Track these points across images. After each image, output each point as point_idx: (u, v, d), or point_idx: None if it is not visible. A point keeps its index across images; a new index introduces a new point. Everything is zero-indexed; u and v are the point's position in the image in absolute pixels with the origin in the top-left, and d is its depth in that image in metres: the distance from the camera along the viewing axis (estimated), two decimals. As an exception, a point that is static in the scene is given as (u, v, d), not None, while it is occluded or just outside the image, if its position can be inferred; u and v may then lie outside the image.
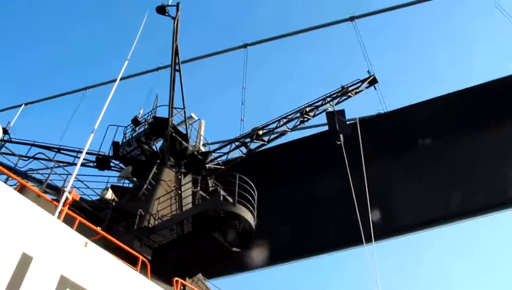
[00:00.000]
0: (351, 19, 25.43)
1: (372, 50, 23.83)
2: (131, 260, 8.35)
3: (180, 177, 15.67)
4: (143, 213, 12.71)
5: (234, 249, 12.66)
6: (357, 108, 20.69)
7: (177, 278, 9.30)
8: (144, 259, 8.71)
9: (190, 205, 14.53)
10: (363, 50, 22.50)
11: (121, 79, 10.95)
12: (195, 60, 28.66)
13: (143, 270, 8.33)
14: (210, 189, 15.87)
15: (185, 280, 11.80)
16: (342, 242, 21.01)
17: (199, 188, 14.16)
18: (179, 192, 14.63)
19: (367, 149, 16.01)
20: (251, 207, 12.47)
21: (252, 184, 12.91)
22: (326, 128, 19.46)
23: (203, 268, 13.18)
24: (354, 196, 14.04)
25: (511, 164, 19.20)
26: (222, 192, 12.93)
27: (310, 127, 20.85)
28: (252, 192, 12.72)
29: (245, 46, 27.40)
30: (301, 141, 21.57)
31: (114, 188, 14.65)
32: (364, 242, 13.16)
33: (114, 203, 13.42)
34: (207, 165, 16.86)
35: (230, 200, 12.35)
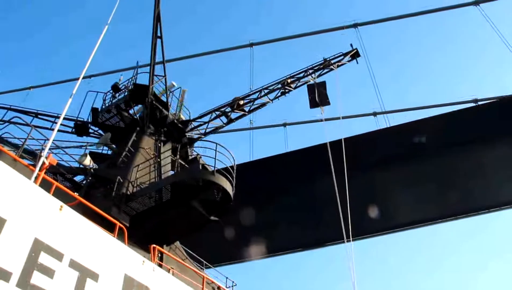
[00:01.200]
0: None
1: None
2: (108, 227, 8.38)
3: (159, 145, 15.63)
4: (121, 180, 12.67)
5: (212, 217, 12.81)
6: (338, 81, 20.82)
7: (154, 245, 9.37)
8: (121, 225, 8.74)
9: (169, 174, 14.56)
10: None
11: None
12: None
13: (121, 237, 8.35)
14: (190, 157, 15.90)
15: (162, 247, 11.93)
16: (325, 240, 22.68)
17: (178, 156, 14.14)
18: (158, 160, 14.61)
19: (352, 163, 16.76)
20: (229, 177, 12.58)
21: (232, 154, 12.98)
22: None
23: (181, 236, 13.33)
24: (338, 201, 14.53)
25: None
26: (201, 161, 12.99)
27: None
28: (232, 162, 12.82)
29: (250, 45, 28.31)
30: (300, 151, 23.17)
31: (93, 155, 14.56)
32: (345, 241, 13.72)
33: (92, 170, 13.37)
34: (187, 134, 16.84)
35: (209, 169, 12.42)
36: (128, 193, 12.33)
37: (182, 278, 7.50)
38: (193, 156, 15.94)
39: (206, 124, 17.40)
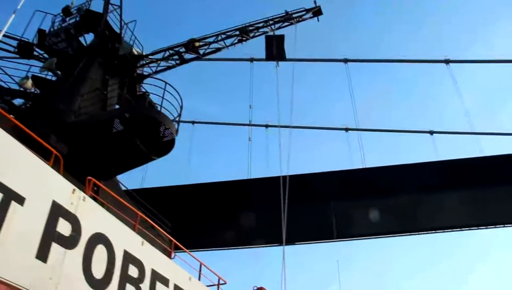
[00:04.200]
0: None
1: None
2: (45, 155, 8.17)
3: (107, 77, 15.12)
4: (63, 108, 12.29)
5: (153, 157, 12.76)
6: (297, 37, 20.81)
7: (90, 177, 9.22)
8: (58, 153, 8.54)
9: (114, 107, 14.23)
10: None
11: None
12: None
13: (56, 166, 8.19)
14: (138, 94, 15.57)
15: (100, 181, 11.81)
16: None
17: (125, 91, 13.83)
18: (105, 92, 14.20)
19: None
20: (175, 118, 12.51)
21: (180, 95, 12.85)
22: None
23: (119, 171, 13.22)
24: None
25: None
26: (148, 99, 12.80)
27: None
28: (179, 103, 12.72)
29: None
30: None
31: (35, 79, 13.95)
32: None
33: (33, 94, 12.87)
34: (137, 70, 16.40)
35: (156, 107, 12.29)
36: (69, 122, 12.00)
37: (115, 213, 7.52)
38: (141, 93, 15.61)
39: (158, 62, 17.00)
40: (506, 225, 27.93)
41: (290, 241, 25.79)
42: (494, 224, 28.20)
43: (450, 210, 28.06)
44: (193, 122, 36.54)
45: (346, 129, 32.77)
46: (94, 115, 12.40)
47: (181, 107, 12.98)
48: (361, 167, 28.79)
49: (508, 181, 27.29)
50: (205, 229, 27.10)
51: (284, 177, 17.00)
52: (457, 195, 28.31)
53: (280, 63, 21.00)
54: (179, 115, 12.77)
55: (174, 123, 12.60)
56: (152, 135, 12.33)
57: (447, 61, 30.63)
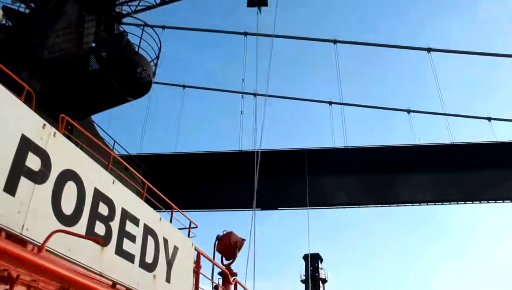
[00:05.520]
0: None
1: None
2: (16, 91, 7.93)
3: (84, 13, 14.57)
4: (37, 44, 11.88)
5: (129, 98, 12.57)
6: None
7: (63, 115, 9.05)
8: (30, 89, 8.32)
9: (90, 45, 13.82)
10: None
11: None
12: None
13: (29, 103, 7.99)
14: (115, 33, 15.11)
15: (74, 121, 11.62)
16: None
17: (102, 29, 13.39)
18: (81, 29, 13.73)
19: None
20: (153, 59, 12.26)
21: (160, 38, 12.53)
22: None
23: (94, 111, 13.02)
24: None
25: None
26: (126, 39, 12.45)
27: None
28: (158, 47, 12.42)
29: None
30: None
31: (7, 10, 13.35)
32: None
33: (5, 27, 12.37)
34: (116, 7, 15.83)
35: (133, 47, 11.99)
36: (43, 58, 11.64)
37: (87, 151, 7.44)
38: (118, 32, 15.15)
39: (138, 1, 16.43)
40: (459, 202, 33.57)
41: (265, 207, 32.58)
42: (449, 201, 33.59)
43: (414, 188, 33.15)
44: (184, 86, 37.61)
45: (330, 103, 35.90)
46: (69, 52, 12.03)
47: (159, 49, 12.68)
48: (342, 140, 33.29)
49: (469, 168, 32.09)
50: (192, 193, 30.08)
51: (258, 151, 18.15)
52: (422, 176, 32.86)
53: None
54: (157, 57, 12.51)
55: (152, 65, 12.35)
56: (129, 76, 12.09)
57: (429, 49, 35.18)
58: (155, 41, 12.88)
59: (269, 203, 32.50)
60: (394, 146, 32.56)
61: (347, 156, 32.07)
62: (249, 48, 32.72)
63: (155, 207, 8.37)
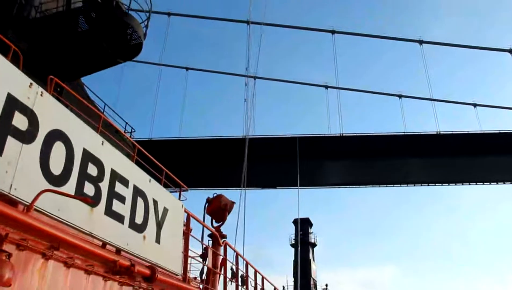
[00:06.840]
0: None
1: None
2: (2, 51, 7.76)
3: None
4: (24, 3, 11.59)
5: (119, 60, 12.39)
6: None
7: (52, 77, 8.91)
8: (16, 49, 8.14)
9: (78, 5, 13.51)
10: None
11: None
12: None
13: (16, 64, 7.83)
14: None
15: (64, 83, 11.45)
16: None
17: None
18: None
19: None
20: (144, 21, 12.03)
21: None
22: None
23: (84, 73, 12.86)
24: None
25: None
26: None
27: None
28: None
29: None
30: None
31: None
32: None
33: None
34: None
35: (123, 8, 11.75)
36: (30, 18, 11.39)
37: (77, 113, 7.37)
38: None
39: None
40: (444, 184, 38.90)
41: (254, 185, 34.86)
42: (440, 182, 38.54)
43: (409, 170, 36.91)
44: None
45: (326, 87, 37.78)
46: (57, 12, 11.77)
47: (150, 12, 12.44)
48: (337, 124, 37.33)
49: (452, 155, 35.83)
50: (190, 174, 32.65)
51: (247, 136, 21.38)
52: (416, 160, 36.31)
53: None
54: (148, 18, 12.27)
55: (143, 26, 12.13)
56: (119, 37, 11.89)
57: (420, 42, 38.47)
58: (146, 2, 12.65)
59: (262, 182, 36.50)
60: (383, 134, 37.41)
61: (338, 143, 36.04)
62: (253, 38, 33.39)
63: (148, 172, 8.36)
